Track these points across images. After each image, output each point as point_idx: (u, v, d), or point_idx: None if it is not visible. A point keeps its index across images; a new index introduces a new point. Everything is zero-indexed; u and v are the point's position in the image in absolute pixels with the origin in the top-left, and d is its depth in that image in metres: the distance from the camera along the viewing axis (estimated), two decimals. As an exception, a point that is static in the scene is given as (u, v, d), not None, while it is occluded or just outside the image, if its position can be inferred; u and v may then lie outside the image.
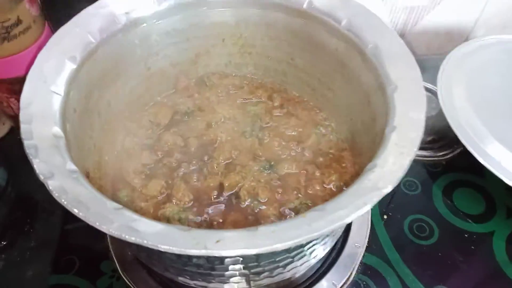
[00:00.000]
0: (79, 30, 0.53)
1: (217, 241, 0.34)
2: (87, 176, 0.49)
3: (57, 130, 0.43)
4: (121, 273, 0.60)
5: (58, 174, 0.38)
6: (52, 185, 0.37)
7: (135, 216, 0.37)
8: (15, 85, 0.60)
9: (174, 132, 0.64)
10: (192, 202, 0.57)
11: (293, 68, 0.67)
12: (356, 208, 0.36)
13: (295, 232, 0.34)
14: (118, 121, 0.62)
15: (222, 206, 0.57)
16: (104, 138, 0.58)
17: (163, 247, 0.33)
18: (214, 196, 0.57)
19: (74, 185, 0.38)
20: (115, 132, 0.61)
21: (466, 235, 0.67)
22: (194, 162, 0.61)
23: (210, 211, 0.56)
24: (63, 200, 0.35)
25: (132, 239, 0.34)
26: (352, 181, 0.58)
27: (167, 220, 0.53)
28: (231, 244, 0.34)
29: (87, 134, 0.53)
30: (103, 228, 0.34)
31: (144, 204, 0.56)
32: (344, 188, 0.59)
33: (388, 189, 0.37)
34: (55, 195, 0.36)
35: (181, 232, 0.35)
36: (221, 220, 0.55)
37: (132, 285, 0.59)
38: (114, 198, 0.57)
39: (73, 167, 0.40)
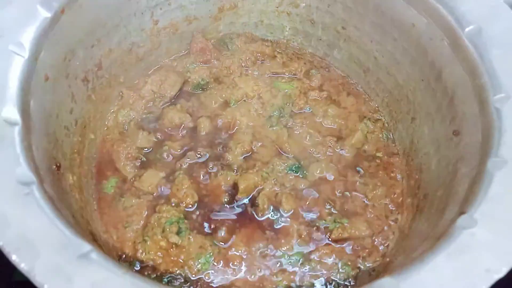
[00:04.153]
0: (60, -40, 0.37)
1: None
2: (57, 168, 0.36)
3: (11, 112, 0.30)
4: None
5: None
6: (-15, 210, 0.24)
7: (107, 270, 0.24)
8: None
9: (181, 107, 0.50)
10: (196, 205, 0.44)
11: (343, 39, 0.52)
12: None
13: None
14: (111, 88, 0.48)
15: (234, 215, 0.44)
16: (90, 111, 0.45)
17: None
18: (225, 201, 0.45)
19: (23, 210, 0.25)
20: (106, 103, 0.48)
21: None
22: (203, 151, 0.48)
23: (217, 220, 0.44)
24: (-2, 241, 0.23)
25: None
26: (404, 200, 0.47)
27: (162, 230, 0.41)
28: None
29: (65, 108, 0.40)
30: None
31: (135, 201, 0.44)
32: (391, 207, 0.46)
33: (502, 273, 0.24)
34: (-13, 229, 0.23)
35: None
36: (230, 235, 0.43)
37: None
38: (99, 188, 0.45)
39: (27, 175, 0.27)
